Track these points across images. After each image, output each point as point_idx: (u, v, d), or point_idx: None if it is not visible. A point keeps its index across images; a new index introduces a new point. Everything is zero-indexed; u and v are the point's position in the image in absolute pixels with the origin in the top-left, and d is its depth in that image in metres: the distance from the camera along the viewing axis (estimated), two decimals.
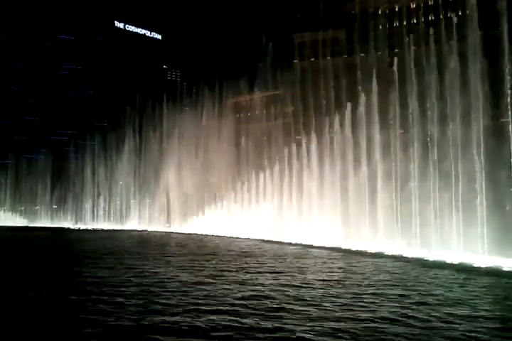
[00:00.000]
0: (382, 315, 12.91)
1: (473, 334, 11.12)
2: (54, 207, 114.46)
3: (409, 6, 69.27)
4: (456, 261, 26.45)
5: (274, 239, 50.05)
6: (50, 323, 12.18)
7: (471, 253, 28.31)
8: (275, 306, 13.99)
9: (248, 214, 64.37)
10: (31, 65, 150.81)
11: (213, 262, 27.10)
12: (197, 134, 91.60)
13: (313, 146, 51.73)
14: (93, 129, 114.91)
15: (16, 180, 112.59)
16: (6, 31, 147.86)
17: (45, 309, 13.74)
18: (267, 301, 14.72)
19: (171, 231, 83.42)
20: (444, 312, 13.33)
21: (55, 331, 11.47)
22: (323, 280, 19.37)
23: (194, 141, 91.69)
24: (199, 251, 36.89)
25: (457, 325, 11.92)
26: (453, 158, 32.83)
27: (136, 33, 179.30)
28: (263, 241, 50.73)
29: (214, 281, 18.88)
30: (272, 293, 16.13)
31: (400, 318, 12.57)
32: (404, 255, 30.85)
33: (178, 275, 20.74)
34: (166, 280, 19.29)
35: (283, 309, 13.57)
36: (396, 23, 69.37)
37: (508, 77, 30.66)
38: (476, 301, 15.27)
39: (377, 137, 41.57)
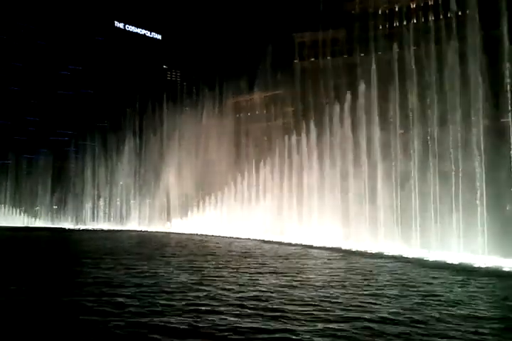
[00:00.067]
0: (382, 315, 12.89)
1: (473, 335, 11.09)
2: (54, 207, 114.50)
3: (409, 5, 69.25)
4: (456, 261, 26.44)
5: (274, 240, 50.05)
6: (50, 324, 12.15)
7: (471, 253, 28.31)
8: (275, 307, 13.96)
9: (248, 215, 64.35)
10: (31, 65, 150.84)
11: (213, 262, 27.08)
12: (197, 134, 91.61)
13: (313, 146, 51.74)
14: (93, 129, 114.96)
15: (16, 180, 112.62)
16: (6, 31, 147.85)
17: (44, 310, 13.72)
18: (267, 302, 14.70)
19: (171, 231, 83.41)
20: (444, 313, 13.31)
21: (55, 332, 11.44)
22: (323, 281, 19.35)
23: (194, 140, 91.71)
24: (199, 251, 36.88)
25: (457, 326, 11.89)
26: (453, 158, 32.82)
27: (136, 33, 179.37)
28: (263, 241, 50.73)
29: (214, 282, 18.86)
30: (272, 294, 16.11)
31: (399, 319, 12.55)
32: (405, 255, 30.84)
33: (177, 276, 20.72)
34: (165, 280, 19.27)
35: (283, 310, 13.54)
36: (396, 23, 69.33)
37: (509, 77, 30.63)
38: (476, 301, 15.25)
39: (377, 137, 41.56)
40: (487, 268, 24.44)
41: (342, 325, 11.89)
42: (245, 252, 35.61)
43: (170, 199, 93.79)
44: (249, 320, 12.27)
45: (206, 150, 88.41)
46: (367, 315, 12.85)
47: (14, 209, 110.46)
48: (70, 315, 13.03)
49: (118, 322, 11.98)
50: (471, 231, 29.79)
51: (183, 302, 14.54)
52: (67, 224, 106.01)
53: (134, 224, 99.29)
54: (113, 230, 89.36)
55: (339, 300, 15.00)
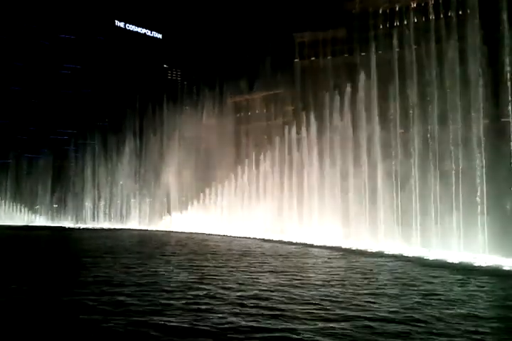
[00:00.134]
0: (382, 314, 12.89)
1: (473, 334, 11.09)
2: (54, 206, 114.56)
3: (410, 5, 69.20)
4: (456, 261, 26.42)
5: (275, 239, 50.04)
6: (50, 323, 12.16)
7: (472, 252, 28.29)
8: (275, 306, 13.97)
9: (249, 214, 64.35)
10: (32, 64, 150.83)
11: (213, 261, 27.09)
12: (197, 133, 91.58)
13: (314, 146, 51.74)
14: (93, 128, 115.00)
15: (17, 179, 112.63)
16: (6, 31, 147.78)
17: (45, 309, 13.72)
18: (267, 301, 14.70)
19: (172, 230, 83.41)
20: (445, 312, 13.31)
21: (55, 331, 11.45)
22: (323, 280, 19.35)
23: (194, 140, 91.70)
24: (199, 250, 36.89)
25: (457, 325, 11.89)
26: (453, 157, 32.81)
27: (137, 32, 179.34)
28: (263, 240, 50.73)
29: (214, 281, 18.86)
30: (272, 293, 16.12)
31: (399, 318, 12.55)
32: (405, 254, 30.83)
33: (177, 275, 20.73)
34: (165, 279, 19.29)
35: (283, 308, 13.55)
36: (396, 22, 69.26)
37: (509, 77, 30.61)
38: (476, 301, 15.24)
39: (377, 136, 41.56)
40: (487, 267, 24.43)
41: (342, 323, 11.89)
42: (245, 251, 35.62)
43: (170, 198, 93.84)
44: (249, 319, 12.27)
45: (206, 149, 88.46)
46: (367, 314, 12.85)
47: (14, 208, 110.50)
48: (70, 314, 13.03)
49: (118, 321, 11.99)
50: (471, 230, 29.78)
51: (183, 301, 14.55)
52: (68, 223, 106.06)
53: (134, 222, 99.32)
54: (113, 229, 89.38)
55: (339, 299, 15.00)
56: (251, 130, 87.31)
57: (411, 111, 37.86)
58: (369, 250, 34.63)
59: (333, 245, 39.34)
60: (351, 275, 21.38)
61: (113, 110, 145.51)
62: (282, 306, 13.89)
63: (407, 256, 29.99)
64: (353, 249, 36.37)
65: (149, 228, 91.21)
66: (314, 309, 13.54)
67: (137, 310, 13.39)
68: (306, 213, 51.03)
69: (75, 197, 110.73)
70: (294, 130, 56.73)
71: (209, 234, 66.36)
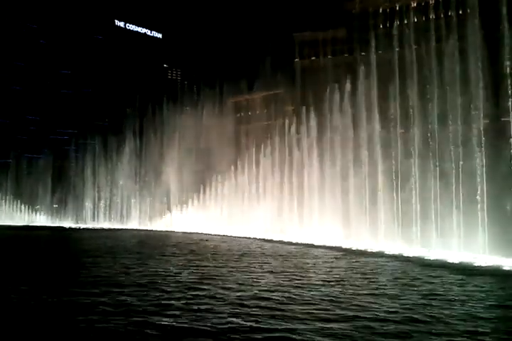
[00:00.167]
0: (382, 314, 12.88)
1: (473, 335, 11.07)
2: (55, 206, 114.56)
3: (410, 5, 69.16)
4: (456, 261, 26.42)
5: (275, 239, 50.03)
6: (50, 324, 12.15)
7: (472, 252, 28.28)
8: (275, 306, 13.96)
9: (249, 214, 64.34)
10: (32, 64, 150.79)
11: (213, 261, 27.08)
12: (197, 133, 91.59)
13: (314, 146, 51.73)
14: (94, 128, 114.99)
15: (17, 179, 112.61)
16: (7, 31, 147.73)
17: (44, 309, 13.71)
18: (267, 301, 14.69)
19: (172, 230, 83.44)
20: (444, 312, 13.29)
21: (54, 332, 11.44)
22: (323, 280, 19.34)
23: (194, 139, 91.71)
24: (199, 250, 36.87)
25: (457, 325, 11.87)
26: (454, 157, 32.79)
27: (137, 31, 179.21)
28: (264, 240, 50.72)
29: (213, 281, 18.85)
30: (272, 293, 16.11)
31: (399, 318, 12.53)
32: (405, 254, 30.83)
33: (177, 275, 20.72)
34: (165, 279, 19.27)
35: (283, 309, 13.54)
36: (397, 22, 69.22)
37: (509, 76, 30.59)
38: (476, 301, 15.23)
39: (377, 136, 41.55)
40: (487, 267, 24.41)
41: (342, 324, 11.88)
42: (246, 251, 35.61)
43: (170, 198, 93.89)
44: (249, 319, 12.26)
45: (207, 149, 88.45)
46: (367, 314, 12.84)
47: (15, 208, 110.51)
48: (69, 314, 13.02)
49: (118, 321, 11.98)
50: (471, 230, 29.77)
51: (183, 301, 14.54)
52: (68, 223, 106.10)
53: (134, 222, 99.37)
54: (114, 229, 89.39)
55: (339, 299, 14.98)
56: (251, 130, 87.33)
57: (411, 111, 37.84)
58: (369, 250, 34.63)
59: (334, 245, 39.33)
60: (351, 275, 21.37)
61: (113, 110, 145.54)
62: (282, 306, 13.89)
63: (407, 256, 29.99)
64: (353, 249, 36.37)
65: (149, 228, 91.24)
66: (314, 309, 13.53)
67: (137, 310, 13.38)
68: (306, 213, 51.02)
69: (75, 197, 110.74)
70: (294, 130, 56.73)
71: (209, 234, 66.36)
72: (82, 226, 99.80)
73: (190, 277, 20.15)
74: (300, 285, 17.87)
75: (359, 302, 14.53)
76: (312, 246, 40.99)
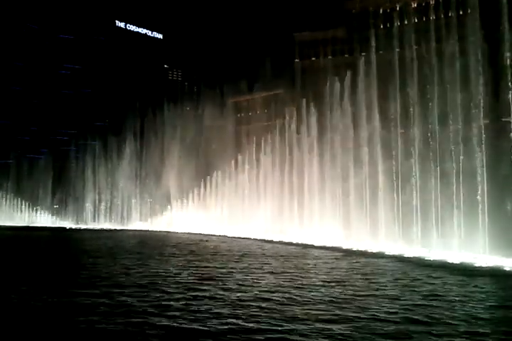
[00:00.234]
0: (382, 315, 12.84)
1: (473, 336, 11.04)
2: (55, 206, 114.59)
3: (410, 5, 69.13)
4: (457, 261, 26.36)
5: (275, 239, 50.00)
6: (49, 324, 12.13)
7: (472, 252, 28.22)
8: (275, 307, 13.93)
9: (249, 214, 64.32)
10: (33, 64, 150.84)
11: (213, 262, 27.06)
12: (197, 133, 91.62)
13: (314, 146, 51.69)
14: (94, 129, 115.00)
15: (17, 179, 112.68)
16: (7, 31, 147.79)
17: (44, 310, 13.68)
18: (267, 302, 14.66)
19: (172, 230, 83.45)
20: (444, 313, 13.26)
21: (54, 332, 11.41)
22: (324, 281, 19.31)
23: (194, 139, 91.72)
24: (199, 251, 36.86)
25: (457, 326, 11.84)
26: (454, 157, 32.74)
27: (138, 32, 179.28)
28: (264, 240, 50.70)
29: (213, 282, 18.83)
30: (272, 294, 16.08)
31: (399, 319, 12.50)
32: (405, 255, 30.77)
33: (177, 276, 20.69)
34: (165, 280, 19.24)
35: (283, 310, 13.51)
36: (397, 22, 69.21)
37: (509, 77, 30.55)
38: (477, 302, 15.19)
39: (377, 136, 41.51)
40: (488, 267, 24.36)
41: (342, 324, 11.85)
42: (246, 252, 35.58)
43: (170, 198, 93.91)
44: (250, 320, 12.23)
45: (207, 149, 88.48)
46: (367, 315, 12.81)
47: (15, 209, 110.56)
48: (70, 314, 13.00)
49: (118, 322, 11.95)
50: (472, 230, 29.71)
51: (183, 302, 14.52)
52: (68, 224, 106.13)
53: (134, 223, 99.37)
54: (114, 230, 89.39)
55: (339, 300, 14.95)
56: (251, 130, 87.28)
57: (411, 111, 37.80)
58: (369, 251, 34.57)
59: (334, 246, 39.29)
60: (352, 276, 21.33)
61: (113, 110, 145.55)
62: (282, 307, 13.86)
63: (408, 257, 29.94)
64: (354, 249, 36.32)
65: (150, 228, 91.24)
66: (314, 310, 13.50)
67: (137, 310, 13.36)
68: (307, 213, 50.98)
69: (75, 198, 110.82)
70: (294, 130, 56.70)
71: (209, 235, 66.35)
72: (83, 226, 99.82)
73: (190, 278, 20.13)
74: (300, 286, 17.84)
75: (359, 303, 14.50)
76: (312, 246, 40.96)
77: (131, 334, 11.03)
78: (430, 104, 36.03)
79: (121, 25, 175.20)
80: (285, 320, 12.25)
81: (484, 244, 28.53)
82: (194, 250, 37.26)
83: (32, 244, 47.39)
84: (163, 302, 14.48)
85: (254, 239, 54.39)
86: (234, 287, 17.53)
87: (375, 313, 13.09)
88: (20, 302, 14.66)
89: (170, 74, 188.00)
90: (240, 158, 71.12)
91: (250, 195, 66.27)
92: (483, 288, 18.40)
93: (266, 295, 15.73)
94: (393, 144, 39.47)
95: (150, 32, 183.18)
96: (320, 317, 12.64)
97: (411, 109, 37.86)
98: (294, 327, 11.60)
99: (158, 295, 15.82)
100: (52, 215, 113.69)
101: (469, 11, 34.21)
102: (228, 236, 61.60)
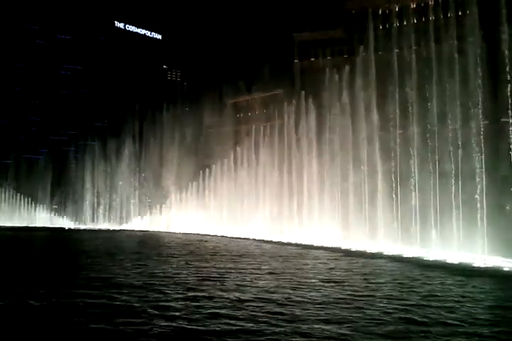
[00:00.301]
0: (381, 316, 12.84)
1: (472, 336, 11.03)
2: (54, 207, 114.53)
3: (410, 5, 69.14)
4: (455, 261, 26.39)
5: (274, 239, 50.00)
6: (47, 325, 12.10)
7: (471, 253, 28.24)
8: (274, 307, 13.91)
9: (248, 215, 64.31)
10: (32, 64, 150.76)
11: (212, 263, 27.03)
12: (196, 133, 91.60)
13: (313, 146, 51.71)
14: (93, 129, 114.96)
15: (16, 180, 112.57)
16: (6, 31, 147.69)
17: (42, 311, 13.66)
18: (266, 302, 14.65)
19: (171, 231, 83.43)
20: (443, 314, 13.25)
21: (52, 333, 11.39)
22: (322, 281, 19.30)
23: (194, 140, 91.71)
24: (198, 251, 36.84)
25: (456, 327, 11.83)
26: (453, 157, 32.77)
27: (137, 33, 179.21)
28: (263, 241, 50.69)
29: (212, 282, 18.81)
30: (271, 295, 16.07)
31: (398, 319, 12.49)
32: (404, 255, 30.79)
33: (176, 277, 20.67)
34: (164, 281, 19.22)
35: (282, 310, 13.49)
36: (396, 23, 69.25)
37: (509, 77, 30.58)
38: (476, 302, 15.18)
39: (376, 137, 41.53)
40: (487, 268, 24.38)
41: (341, 325, 11.84)
42: (245, 252, 35.57)
43: (169, 198, 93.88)
44: (248, 321, 12.22)
45: (207, 149, 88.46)
46: (366, 316, 12.80)
47: (14, 209, 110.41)
48: (68, 315, 12.98)
49: (117, 323, 11.93)
50: (470, 230, 29.73)
51: (181, 303, 14.50)
52: (67, 224, 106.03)
53: (133, 223, 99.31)
54: (113, 230, 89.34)
55: (338, 300, 14.94)
56: (251, 130, 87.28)
57: (410, 112, 37.82)
58: (368, 251, 34.60)
59: (333, 246, 39.29)
60: (351, 276, 21.33)
61: (113, 111, 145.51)
62: (281, 307, 13.84)
63: (407, 257, 29.95)
64: (353, 250, 36.34)
65: (148, 229, 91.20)
66: (313, 310, 13.49)
67: (136, 311, 13.34)
68: (306, 214, 50.99)
69: (74, 198, 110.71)
70: (293, 130, 56.71)
71: (208, 235, 66.32)
72: (82, 227, 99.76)
73: (189, 278, 20.11)
74: (299, 286, 17.83)
75: (358, 303, 14.50)
76: (311, 247, 40.96)
77: (131, 335, 11.01)
78: (429, 104, 36.05)
79: (121, 25, 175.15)
80: (284, 320, 12.24)
81: (483, 245, 28.55)
82: (193, 250, 37.24)
83: (31, 245, 47.35)
84: (162, 303, 14.45)
85: (253, 239, 54.38)
86: (233, 287, 17.51)
87: (374, 313, 13.09)
88: (18, 302, 14.63)
89: (169, 74, 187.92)
90: (239, 158, 71.10)
91: (249, 195, 66.24)
92: (481, 288, 18.41)
93: (265, 296, 15.72)
94: (392, 145, 39.50)
95: (149, 32, 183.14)
96: (319, 317, 12.63)
97: (410, 110, 37.89)
98: (293, 327, 11.59)
99: (156, 295, 15.80)
100: (52, 215, 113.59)
101: (468, 12, 34.24)
102: (227, 236, 61.57)
